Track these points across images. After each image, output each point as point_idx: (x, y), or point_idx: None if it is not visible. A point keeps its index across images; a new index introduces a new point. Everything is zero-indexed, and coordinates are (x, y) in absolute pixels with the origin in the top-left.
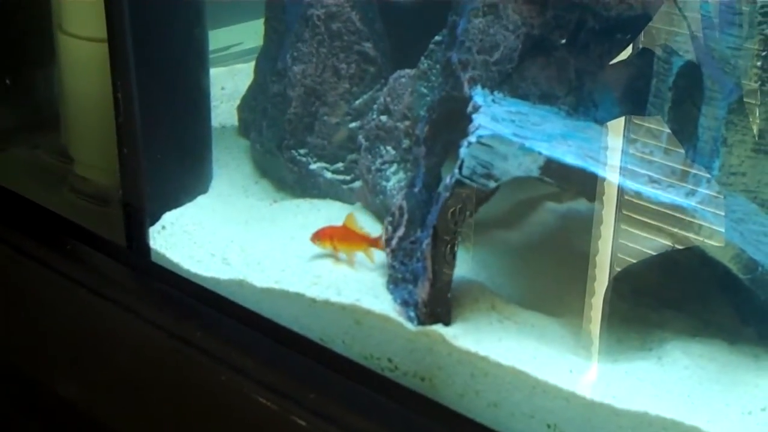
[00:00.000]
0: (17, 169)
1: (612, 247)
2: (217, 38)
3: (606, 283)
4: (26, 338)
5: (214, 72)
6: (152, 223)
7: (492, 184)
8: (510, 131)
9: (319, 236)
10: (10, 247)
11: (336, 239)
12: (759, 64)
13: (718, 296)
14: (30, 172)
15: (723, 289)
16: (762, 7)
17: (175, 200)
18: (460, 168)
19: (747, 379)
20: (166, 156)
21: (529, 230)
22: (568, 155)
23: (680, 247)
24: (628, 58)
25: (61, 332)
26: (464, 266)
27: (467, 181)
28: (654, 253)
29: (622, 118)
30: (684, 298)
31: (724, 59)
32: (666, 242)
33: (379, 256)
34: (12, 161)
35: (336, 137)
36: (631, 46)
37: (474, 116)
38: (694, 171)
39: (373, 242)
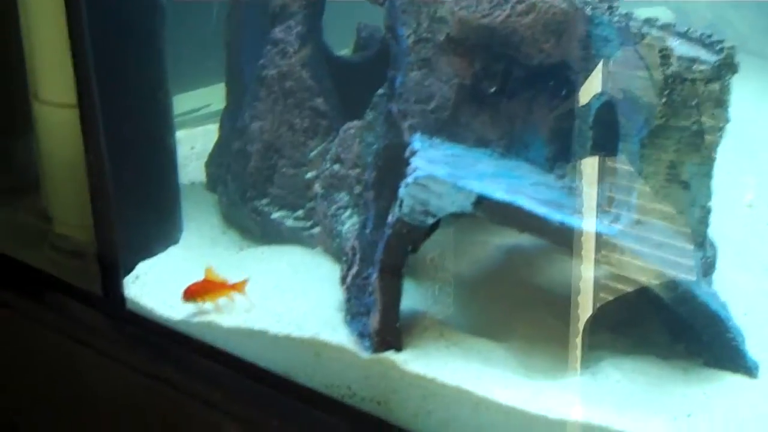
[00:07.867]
0: (0, 230)
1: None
2: (187, 101)
3: (547, 308)
4: (8, 385)
5: (184, 133)
6: (126, 274)
7: (430, 221)
8: (444, 172)
9: (185, 295)
10: None
11: (198, 294)
12: (663, 101)
13: (653, 317)
14: (12, 233)
15: (657, 310)
16: (661, 50)
17: (147, 251)
18: (400, 207)
19: (675, 389)
20: (136, 210)
21: (478, 265)
22: (498, 191)
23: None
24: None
25: (43, 378)
26: (417, 299)
27: (407, 219)
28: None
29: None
30: (621, 320)
31: (634, 99)
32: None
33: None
34: None
35: (294, 187)
36: None
37: (411, 160)
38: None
39: (233, 287)
